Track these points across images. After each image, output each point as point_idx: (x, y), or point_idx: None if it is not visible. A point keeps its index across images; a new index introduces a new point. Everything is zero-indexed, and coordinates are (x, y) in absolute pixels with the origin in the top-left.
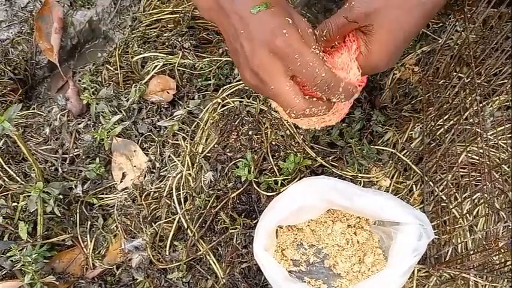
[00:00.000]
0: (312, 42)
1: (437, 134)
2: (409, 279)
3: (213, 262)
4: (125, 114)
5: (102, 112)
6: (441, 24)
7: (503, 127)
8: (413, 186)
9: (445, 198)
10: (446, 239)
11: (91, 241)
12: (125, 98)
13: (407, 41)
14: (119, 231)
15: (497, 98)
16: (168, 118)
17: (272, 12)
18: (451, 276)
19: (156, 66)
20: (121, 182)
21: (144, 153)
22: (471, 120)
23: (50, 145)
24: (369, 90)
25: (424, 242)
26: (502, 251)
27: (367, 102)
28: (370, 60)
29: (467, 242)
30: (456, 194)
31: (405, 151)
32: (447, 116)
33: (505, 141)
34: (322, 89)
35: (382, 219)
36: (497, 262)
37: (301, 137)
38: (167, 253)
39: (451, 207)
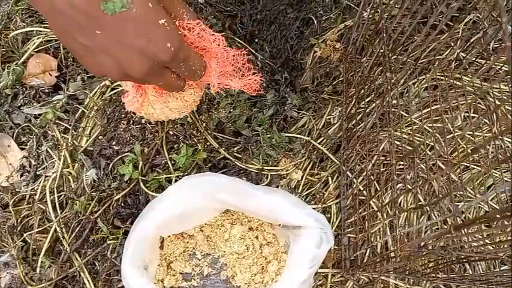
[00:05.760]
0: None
1: (358, 118)
2: (322, 286)
3: (87, 281)
4: None
5: None
6: None
7: (429, 109)
8: (329, 178)
9: (362, 189)
10: (364, 238)
11: None
12: None
13: None
14: None
15: (424, 76)
16: (42, 103)
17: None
18: (369, 279)
19: (35, 43)
20: None
21: (21, 147)
22: (394, 101)
23: None
24: (289, 70)
25: (324, 249)
26: (412, 257)
27: (287, 85)
28: None
29: (388, 240)
30: (376, 185)
31: (322, 138)
32: (368, 98)
33: (431, 125)
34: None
35: (277, 223)
36: (420, 264)
37: (204, 124)
38: (38, 271)
39: (369, 199)
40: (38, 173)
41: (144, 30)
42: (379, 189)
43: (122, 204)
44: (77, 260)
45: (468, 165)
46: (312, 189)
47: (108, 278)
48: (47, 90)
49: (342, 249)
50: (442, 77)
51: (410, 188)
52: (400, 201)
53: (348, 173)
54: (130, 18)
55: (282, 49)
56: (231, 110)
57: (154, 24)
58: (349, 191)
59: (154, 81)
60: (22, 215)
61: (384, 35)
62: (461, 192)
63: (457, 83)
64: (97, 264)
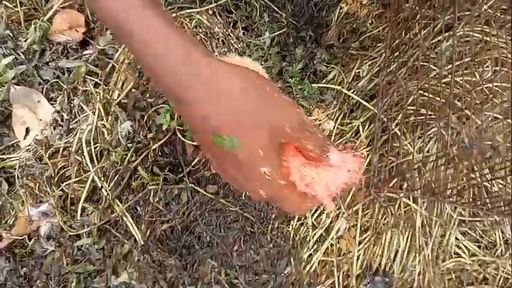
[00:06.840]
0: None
1: (391, 68)
2: (354, 227)
3: (130, 224)
4: (23, 58)
5: None
6: None
7: (459, 62)
8: (360, 127)
9: (399, 132)
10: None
11: None
12: (24, 38)
13: None
14: (25, 195)
15: (452, 32)
16: (72, 58)
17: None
18: (390, 200)
19: None
20: (25, 138)
21: (51, 103)
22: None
23: None
24: (314, 27)
25: None
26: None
27: (313, 41)
28: None
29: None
30: (406, 133)
31: (352, 90)
32: (398, 52)
33: (461, 78)
34: None
35: None
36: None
37: None
38: (78, 217)
39: (404, 142)
40: (71, 126)
41: (243, 172)
42: (409, 137)
43: (159, 154)
44: (118, 206)
45: (498, 116)
46: (344, 138)
47: (151, 220)
48: (74, 46)
49: (371, 169)
50: (469, 32)
51: (443, 134)
52: (429, 149)
53: (384, 118)
54: (235, 159)
55: (305, 7)
56: (263, 63)
57: (253, 170)
58: (380, 137)
59: None
60: (59, 167)
61: None
62: (490, 142)
63: (486, 38)
64: (139, 209)
